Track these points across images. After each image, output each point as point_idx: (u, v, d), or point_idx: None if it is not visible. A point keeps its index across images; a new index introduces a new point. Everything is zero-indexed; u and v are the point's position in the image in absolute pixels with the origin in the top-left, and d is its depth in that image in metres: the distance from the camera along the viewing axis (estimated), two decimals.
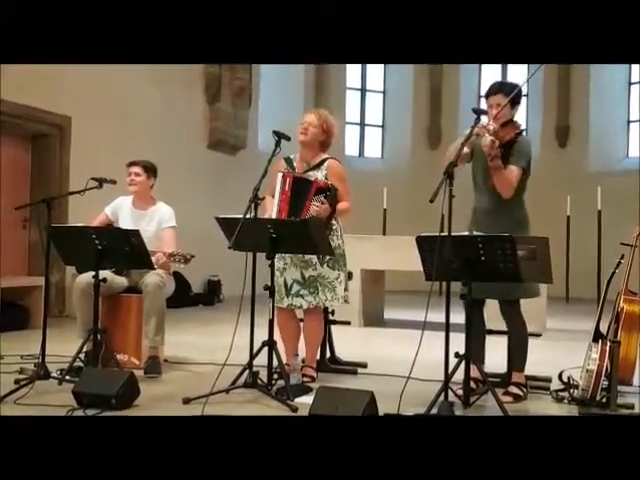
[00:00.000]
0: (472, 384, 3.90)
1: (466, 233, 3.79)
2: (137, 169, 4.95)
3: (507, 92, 3.96)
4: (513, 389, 4.04)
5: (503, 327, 4.31)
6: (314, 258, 4.32)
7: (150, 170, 5.00)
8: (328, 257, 4.33)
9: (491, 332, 4.37)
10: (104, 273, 4.35)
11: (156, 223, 4.91)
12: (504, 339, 4.32)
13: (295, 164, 4.49)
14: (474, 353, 4.14)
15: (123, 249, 4.10)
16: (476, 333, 4.14)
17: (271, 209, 4.31)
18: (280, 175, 4.28)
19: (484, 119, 3.83)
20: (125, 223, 4.83)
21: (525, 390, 4.08)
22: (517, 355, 4.12)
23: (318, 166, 4.42)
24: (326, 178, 4.34)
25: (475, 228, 4.02)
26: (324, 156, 4.46)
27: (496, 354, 4.34)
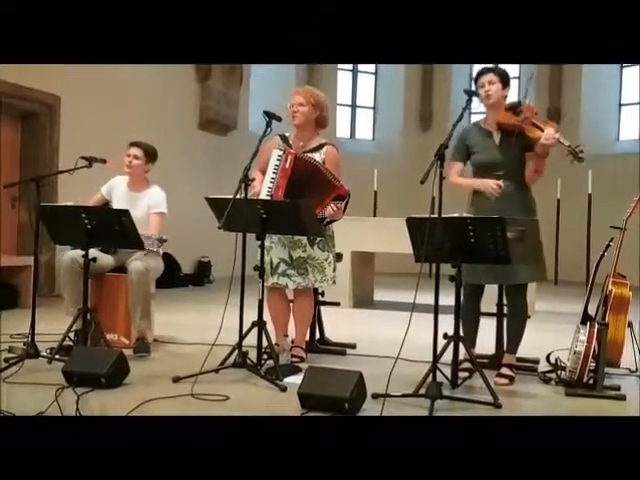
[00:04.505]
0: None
1: (456, 215, 3.79)
2: (137, 151, 4.89)
3: (498, 72, 4.10)
4: (507, 371, 4.06)
5: (491, 309, 4.34)
6: (304, 239, 4.28)
7: (150, 155, 4.94)
8: (319, 239, 4.31)
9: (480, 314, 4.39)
10: (92, 252, 4.33)
11: (146, 207, 4.86)
12: (492, 321, 4.34)
13: (291, 142, 4.38)
14: (467, 336, 4.17)
15: (113, 228, 4.07)
16: (472, 318, 4.16)
17: (263, 183, 4.16)
18: (278, 152, 4.15)
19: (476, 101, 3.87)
20: (118, 204, 4.80)
21: (514, 372, 4.11)
22: (515, 338, 4.11)
23: (317, 149, 4.34)
24: (323, 162, 4.29)
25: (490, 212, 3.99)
26: (323, 140, 4.38)
27: (485, 336, 4.36)
